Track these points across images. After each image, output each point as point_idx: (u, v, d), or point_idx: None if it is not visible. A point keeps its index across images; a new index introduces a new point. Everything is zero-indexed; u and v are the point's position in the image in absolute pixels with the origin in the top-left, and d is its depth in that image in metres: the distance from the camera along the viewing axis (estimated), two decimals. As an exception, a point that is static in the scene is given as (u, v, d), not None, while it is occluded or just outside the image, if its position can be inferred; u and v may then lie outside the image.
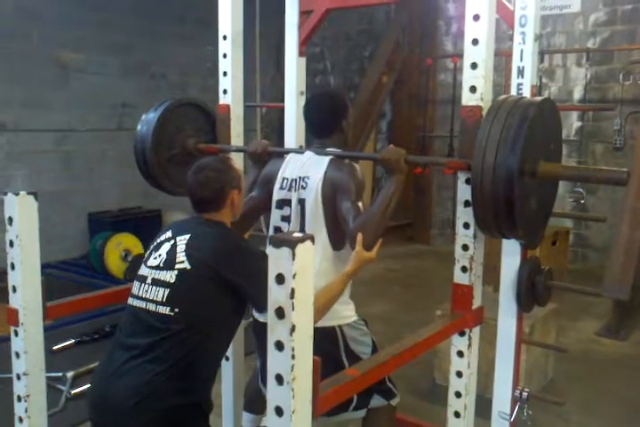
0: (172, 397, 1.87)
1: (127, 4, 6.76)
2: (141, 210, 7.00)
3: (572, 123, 6.80)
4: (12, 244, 2.09)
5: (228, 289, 1.95)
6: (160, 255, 2.03)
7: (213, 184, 2.06)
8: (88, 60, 6.59)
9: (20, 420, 2.17)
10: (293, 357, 1.35)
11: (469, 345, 2.22)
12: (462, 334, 2.23)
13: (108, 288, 2.75)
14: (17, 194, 2.06)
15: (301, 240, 1.34)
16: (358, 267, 2.07)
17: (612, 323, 4.79)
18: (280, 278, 1.35)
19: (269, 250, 1.36)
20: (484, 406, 2.39)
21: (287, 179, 2.38)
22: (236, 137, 2.82)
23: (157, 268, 2.00)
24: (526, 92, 2.16)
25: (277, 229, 2.41)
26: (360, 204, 2.20)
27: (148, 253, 2.11)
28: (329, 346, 2.28)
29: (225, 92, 2.80)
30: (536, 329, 3.54)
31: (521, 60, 2.17)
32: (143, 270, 2.06)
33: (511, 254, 2.25)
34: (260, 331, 2.32)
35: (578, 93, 6.78)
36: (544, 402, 2.54)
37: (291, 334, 1.34)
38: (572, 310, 4.93)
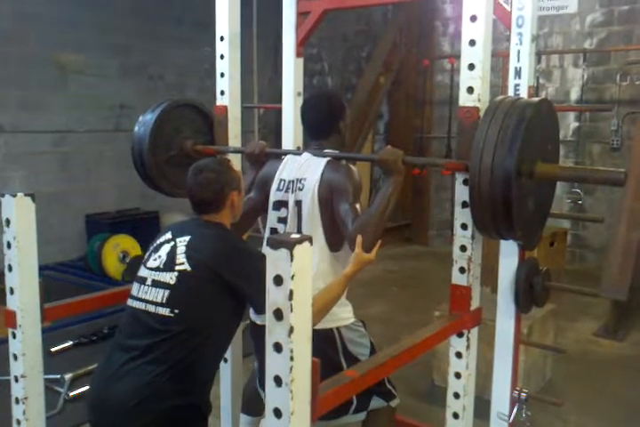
0: (171, 398, 1.87)
1: (125, 5, 6.76)
2: (139, 211, 6.99)
3: (569, 123, 6.81)
4: (9, 245, 2.09)
5: (227, 291, 1.96)
6: (160, 257, 2.03)
7: (213, 186, 2.06)
8: (86, 62, 6.59)
9: (18, 422, 2.16)
10: (292, 358, 1.35)
11: (468, 346, 2.22)
12: (460, 335, 2.23)
13: (105, 290, 2.74)
14: (14, 195, 2.06)
15: (299, 241, 1.34)
16: (358, 269, 2.07)
17: (609, 323, 4.80)
18: (278, 280, 1.34)
19: (267, 251, 1.36)
20: (482, 407, 2.39)
21: (284, 180, 2.38)
22: (234, 138, 2.82)
23: (157, 269, 2.01)
24: (523, 93, 2.16)
25: (274, 231, 2.40)
26: (358, 206, 2.20)
27: (147, 254, 2.11)
28: (327, 348, 2.28)
29: (222, 93, 2.80)
30: (534, 330, 3.54)
31: (518, 60, 2.16)
32: (143, 272, 2.06)
33: (509, 255, 2.25)
34: (257, 333, 2.32)
35: (575, 94, 6.79)
36: (542, 403, 2.54)
37: (289, 336, 1.34)
38: (570, 311, 4.94)
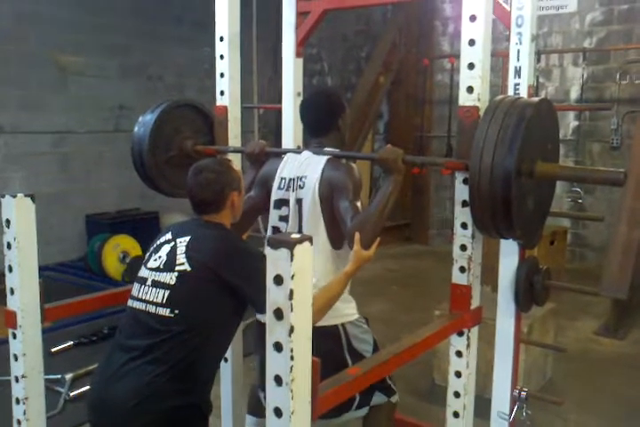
0: (171, 398, 1.87)
1: (125, 6, 6.76)
2: (139, 212, 7.00)
3: (568, 122, 6.81)
4: (9, 246, 2.09)
5: (227, 291, 1.95)
6: (160, 257, 2.03)
7: (213, 186, 2.06)
8: (86, 63, 6.59)
9: (19, 422, 2.17)
10: (292, 358, 1.35)
11: (468, 345, 2.22)
12: (461, 334, 2.23)
13: (106, 290, 2.75)
14: (14, 196, 2.06)
15: (300, 241, 1.34)
16: (357, 266, 2.07)
17: (610, 322, 4.80)
18: (278, 279, 1.34)
19: (268, 251, 1.36)
20: (482, 406, 2.39)
21: (285, 179, 2.38)
22: (234, 138, 2.82)
23: (157, 269, 2.01)
24: (523, 93, 2.16)
25: (276, 229, 2.41)
26: (358, 203, 2.20)
27: (147, 254, 2.11)
28: (332, 345, 2.30)
29: (222, 93, 2.80)
30: (534, 329, 3.54)
31: (518, 60, 2.17)
32: (143, 272, 2.06)
33: (509, 254, 2.25)
34: (262, 332, 2.32)
35: (575, 93, 6.79)
36: (543, 402, 2.54)
37: (289, 335, 1.34)
38: (571, 310, 4.94)
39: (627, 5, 6.47)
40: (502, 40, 4.86)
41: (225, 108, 2.79)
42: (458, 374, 2.25)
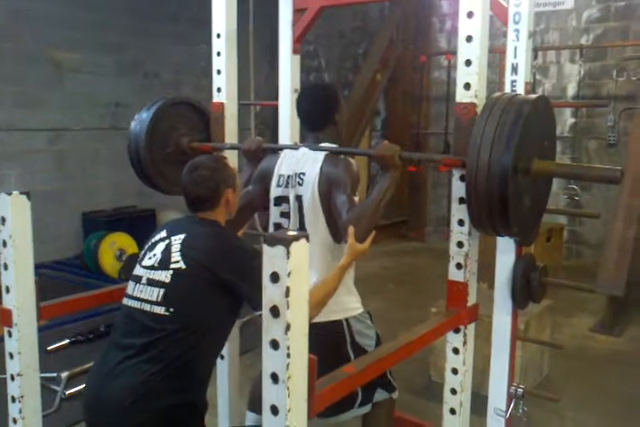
0: (167, 396, 1.87)
1: (121, 3, 6.74)
2: (136, 209, 6.98)
3: (565, 119, 6.81)
4: (4, 244, 2.08)
5: (223, 288, 1.95)
6: (155, 255, 2.02)
7: (208, 183, 2.05)
8: (82, 60, 6.57)
9: (15, 421, 2.16)
10: (289, 355, 1.35)
11: (465, 342, 2.22)
12: (457, 331, 2.23)
13: (102, 288, 2.73)
14: (10, 194, 2.05)
15: (296, 238, 1.34)
16: (351, 259, 2.09)
17: (606, 319, 4.81)
18: (275, 277, 1.34)
19: (264, 248, 1.36)
20: (479, 402, 2.39)
21: (283, 175, 2.38)
22: (230, 135, 2.81)
23: (152, 268, 2.00)
24: (520, 89, 2.16)
25: (277, 226, 2.41)
26: (355, 197, 2.21)
27: (142, 252, 2.10)
28: (336, 339, 2.31)
29: (219, 90, 2.79)
30: (531, 326, 3.54)
31: (515, 56, 2.16)
32: (138, 270, 2.05)
33: (506, 251, 2.25)
34: None
35: (571, 90, 6.79)
36: (539, 398, 2.55)
37: (286, 333, 1.34)
38: (567, 307, 4.95)
39: (623, 2, 6.47)
40: (499, 37, 4.86)
41: (222, 105, 2.78)
42: (454, 371, 2.25)
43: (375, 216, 2.12)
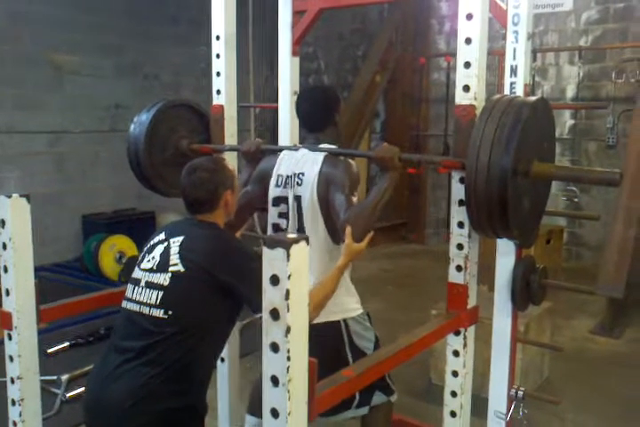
0: (167, 399, 1.86)
1: (120, 5, 6.74)
2: (135, 212, 6.98)
3: (564, 121, 6.81)
4: (4, 246, 2.08)
5: (222, 291, 1.94)
6: (153, 258, 2.02)
7: (207, 185, 2.05)
8: (81, 62, 6.57)
9: (15, 424, 2.15)
10: (289, 358, 1.35)
11: (465, 344, 2.22)
12: (457, 333, 2.23)
13: (102, 290, 2.73)
14: (9, 196, 2.05)
15: (296, 241, 1.33)
16: (349, 260, 2.09)
17: (606, 321, 4.81)
18: (275, 279, 1.34)
19: (264, 251, 1.36)
20: (480, 405, 2.39)
21: (282, 176, 2.38)
22: (230, 137, 2.81)
23: (151, 270, 1.99)
24: (519, 91, 2.16)
25: (276, 226, 2.41)
26: (354, 198, 2.21)
27: (141, 255, 2.10)
28: (334, 341, 2.31)
29: (218, 92, 2.79)
30: (531, 328, 3.54)
31: (514, 58, 2.16)
32: (137, 273, 2.04)
33: (506, 253, 2.25)
34: None
35: (571, 92, 6.80)
36: (540, 401, 2.55)
37: (286, 336, 1.34)
38: (567, 309, 4.95)
39: (622, 4, 6.47)
40: (498, 38, 4.87)
41: (221, 107, 2.79)
42: (455, 374, 2.25)
43: (373, 217, 2.12)
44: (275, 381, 1.37)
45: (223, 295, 1.95)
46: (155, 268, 1.99)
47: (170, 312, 1.90)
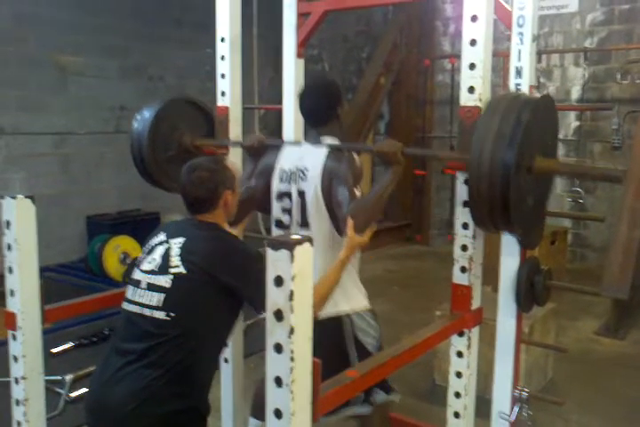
0: (169, 401, 1.86)
1: (125, 7, 6.76)
2: (140, 212, 6.98)
3: (570, 122, 6.80)
4: (9, 247, 2.09)
5: (224, 292, 1.94)
6: (154, 259, 2.01)
7: (207, 184, 2.04)
8: (86, 64, 6.59)
9: (19, 424, 2.16)
10: (292, 359, 1.35)
11: (469, 345, 2.22)
12: (461, 334, 2.23)
13: (106, 291, 2.75)
14: (14, 197, 2.06)
15: (299, 242, 1.34)
16: (351, 252, 2.09)
17: (610, 322, 4.79)
18: (279, 281, 1.34)
19: (268, 252, 1.36)
20: (483, 406, 2.39)
21: (285, 171, 2.39)
22: (235, 139, 2.82)
23: (152, 272, 1.99)
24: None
25: (279, 222, 2.42)
26: (357, 191, 2.21)
27: (141, 256, 2.09)
28: (338, 335, 2.32)
29: (223, 94, 2.80)
30: (535, 329, 3.53)
31: (519, 60, 2.16)
32: (137, 275, 2.03)
33: (510, 255, 2.25)
34: None
35: (576, 93, 6.78)
36: (544, 402, 2.54)
37: (289, 337, 1.34)
38: (572, 310, 4.93)
39: (628, 5, 6.46)
40: (503, 40, 4.84)
41: (226, 109, 2.79)
42: (458, 375, 2.24)
43: (375, 210, 2.14)
44: (278, 381, 1.37)
45: (225, 296, 1.95)
46: (156, 270, 1.98)
47: (172, 314, 1.90)
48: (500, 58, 4.89)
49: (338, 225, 2.26)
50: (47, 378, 2.31)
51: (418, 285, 6.07)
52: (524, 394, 2.29)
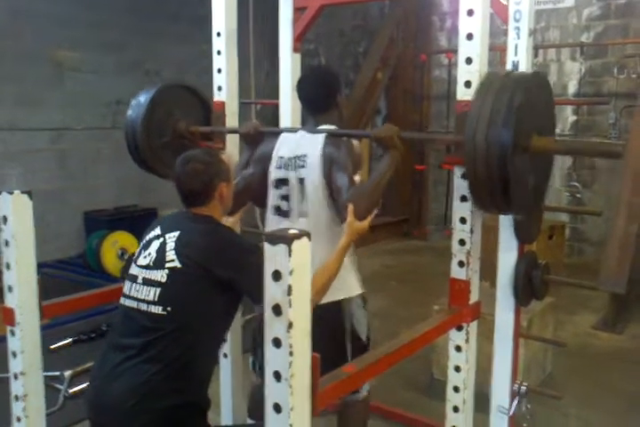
0: (168, 397, 1.86)
1: (121, 2, 6.72)
2: (137, 208, 6.97)
3: (566, 117, 6.80)
4: (7, 243, 2.08)
5: (220, 285, 1.94)
6: (150, 254, 2.00)
7: (201, 176, 2.03)
8: (82, 59, 6.56)
9: (19, 420, 2.17)
10: (291, 353, 1.35)
11: (467, 340, 2.22)
12: (460, 328, 2.23)
13: (104, 287, 2.74)
14: (11, 193, 2.05)
15: (297, 237, 1.33)
16: (351, 238, 2.08)
17: (608, 316, 4.80)
18: (277, 275, 1.34)
19: (265, 247, 1.36)
20: (482, 400, 2.39)
21: (283, 158, 2.38)
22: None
23: (148, 267, 1.98)
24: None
25: (277, 208, 2.41)
26: (356, 177, 2.21)
27: (137, 251, 2.08)
28: (336, 325, 2.33)
29: (220, 88, 2.79)
30: (534, 323, 3.54)
31: (515, 54, 2.16)
32: (133, 269, 2.03)
33: (508, 249, 2.25)
34: None
35: (572, 88, 6.78)
36: (543, 396, 2.55)
37: (288, 331, 1.34)
38: (569, 304, 4.94)
39: (624, 0, 6.45)
40: (500, 34, 4.84)
41: (222, 104, 2.79)
42: (457, 369, 2.25)
43: (375, 195, 2.14)
44: (277, 376, 1.37)
45: (221, 290, 1.94)
46: (151, 264, 1.98)
47: (168, 309, 1.90)
48: (497, 52, 4.89)
49: (338, 212, 2.25)
50: (46, 374, 2.31)
51: (416, 279, 6.08)
52: (523, 388, 2.30)
